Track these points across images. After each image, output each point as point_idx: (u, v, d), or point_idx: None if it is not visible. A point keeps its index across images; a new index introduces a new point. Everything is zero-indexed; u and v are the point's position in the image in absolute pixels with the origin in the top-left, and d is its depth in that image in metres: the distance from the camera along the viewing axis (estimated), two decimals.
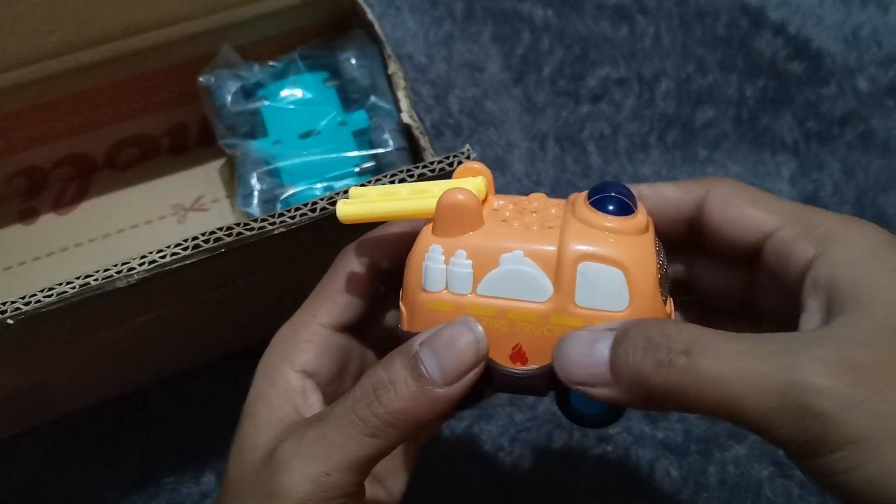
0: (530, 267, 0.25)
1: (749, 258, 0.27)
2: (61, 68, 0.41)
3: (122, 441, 0.42)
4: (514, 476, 0.42)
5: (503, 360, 0.26)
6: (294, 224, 0.33)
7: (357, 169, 0.42)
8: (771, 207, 0.26)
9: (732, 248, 0.27)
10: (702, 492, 0.41)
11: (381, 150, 0.42)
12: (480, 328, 0.25)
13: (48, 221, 0.47)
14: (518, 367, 0.26)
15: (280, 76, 0.45)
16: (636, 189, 0.28)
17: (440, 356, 0.24)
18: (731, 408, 0.21)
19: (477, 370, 0.25)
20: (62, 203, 0.48)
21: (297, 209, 0.33)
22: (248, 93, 0.44)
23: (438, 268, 0.26)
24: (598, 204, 0.26)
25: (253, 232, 0.33)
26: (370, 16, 0.43)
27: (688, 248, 0.29)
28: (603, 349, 0.23)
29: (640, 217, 0.26)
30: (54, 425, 0.42)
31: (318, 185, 0.42)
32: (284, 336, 0.29)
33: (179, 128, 0.49)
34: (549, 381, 0.26)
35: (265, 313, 0.33)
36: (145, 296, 0.33)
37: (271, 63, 0.45)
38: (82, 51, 0.41)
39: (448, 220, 0.26)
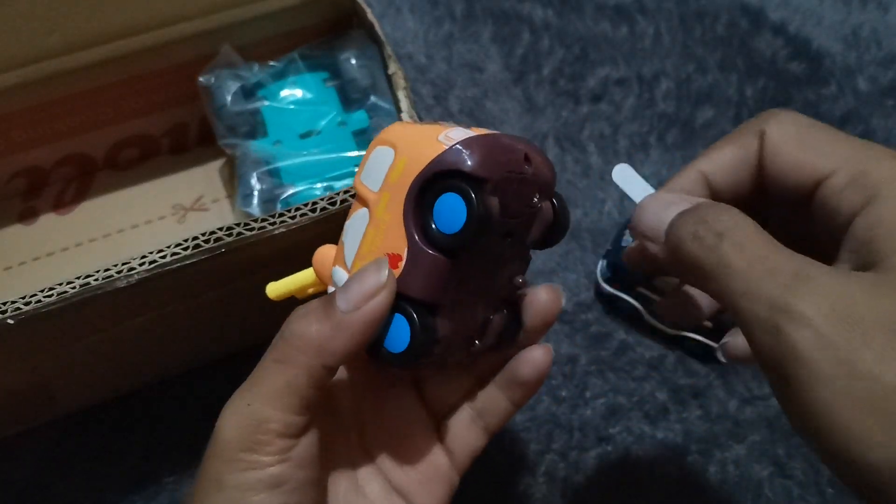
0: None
1: (807, 205, 0.26)
2: (61, 68, 0.41)
3: (122, 441, 0.42)
4: (515, 476, 0.42)
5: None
6: (294, 224, 0.33)
7: (357, 169, 0.42)
8: (824, 150, 0.25)
9: (790, 196, 0.26)
10: (702, 492, 0.41)
11: None
12: (387, 266, 0.26)
13: (48, 221, 0.47)
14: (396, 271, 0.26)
15: (280, 76, 0.45)
16: (696, 174, 0.27)
17: (348, 287, 0.25)
18: (727, 299, 0.22)
19: (379, 298, 0.25)
20: (62, 203, 0.48)
21: (297, 209, 0.33)
22: (248, 93, 0.44)
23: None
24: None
25: (253, 232, 0.33)
26: (370, 16, 0.43)
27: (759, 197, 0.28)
28: (671, 215, 0.24)
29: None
30: (54, 425, 0.42)
31: (318, 185, 0.42)
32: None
33: (179, 128, 0.49)
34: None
35: (265, 313, 0.33)
36: (145, 296, 0.33)
37: (271, 63, 0.45)
38: (82, 51, 0.41)
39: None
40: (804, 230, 0.27)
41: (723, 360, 0.30)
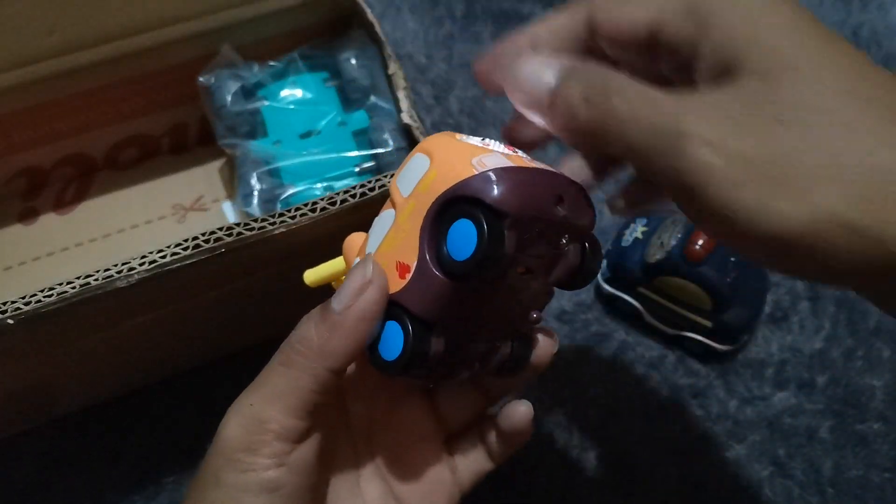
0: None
1: (649, 50, 0.26)
2: (61, 68, 0.41)
3: (122, 441, 0.42)
4: (515, 476, 0.42)
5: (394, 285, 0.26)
6: (294, 224, 0.33)
7: (357, 169, 0.42)
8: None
9: (631, 48, 0.26)
10: (702, 492, 0.41)
11: (381, 150, 0.42)
12: (373, 263, 0.26)
13: (48, 221, 0.47)
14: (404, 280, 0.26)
15: (280, 76, 0.45)
16: (529, 35, 0.27)
17: (340, 288, 0.26)
18: (626, 150, 0.23)
19: (368, 294, 0.25)
20: (62, 203, 0.48)
21: (297, 209, 0.33)
22: (248, 93, 0.44)
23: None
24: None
25: (253, 232, 0.33)
26: (370, 16, 0.43)
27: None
28: (549, 78, 0.25)
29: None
30: (54, 425, 0.42)
31: (318, 185, 0.42)
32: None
33: (179, 128, 0.49)
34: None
35: (265, 313, 0.33)
36: (145, 296, 0.33)
37: (271, 63, 0.45)
38: (82, 51, 0.41)
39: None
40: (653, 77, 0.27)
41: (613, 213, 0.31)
